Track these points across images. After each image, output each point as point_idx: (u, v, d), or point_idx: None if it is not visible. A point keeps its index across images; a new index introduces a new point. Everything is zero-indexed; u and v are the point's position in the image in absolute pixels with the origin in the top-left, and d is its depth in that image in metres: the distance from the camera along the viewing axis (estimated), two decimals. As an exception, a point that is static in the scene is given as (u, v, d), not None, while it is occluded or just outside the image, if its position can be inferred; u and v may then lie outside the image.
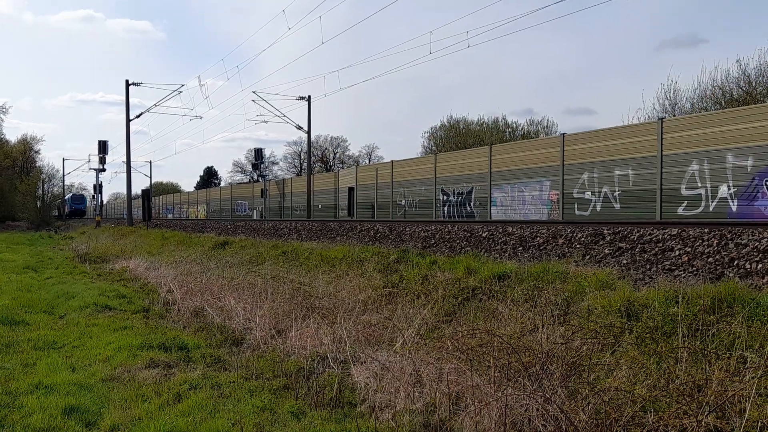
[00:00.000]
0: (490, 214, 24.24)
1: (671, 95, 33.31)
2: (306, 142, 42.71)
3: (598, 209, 19.85)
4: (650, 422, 4.49)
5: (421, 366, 6.21)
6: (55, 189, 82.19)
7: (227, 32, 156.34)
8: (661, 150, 17.84)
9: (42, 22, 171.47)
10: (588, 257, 9.27)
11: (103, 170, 53.36)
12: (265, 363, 7.56)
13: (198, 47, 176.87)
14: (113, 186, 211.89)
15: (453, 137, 54.44)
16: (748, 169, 15.69)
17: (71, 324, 10.37)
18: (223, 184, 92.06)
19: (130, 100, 42.48)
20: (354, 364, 6.86)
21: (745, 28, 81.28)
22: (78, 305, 11.98)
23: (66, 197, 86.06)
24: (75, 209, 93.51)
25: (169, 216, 68.88)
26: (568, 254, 9.68)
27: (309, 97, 41.60)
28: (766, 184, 15.18)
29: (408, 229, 14.69)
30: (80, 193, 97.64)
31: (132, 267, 19.18)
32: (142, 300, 12.92)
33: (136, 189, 78.60)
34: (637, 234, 9.23)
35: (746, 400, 4.43)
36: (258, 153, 49.10)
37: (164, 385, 6.81)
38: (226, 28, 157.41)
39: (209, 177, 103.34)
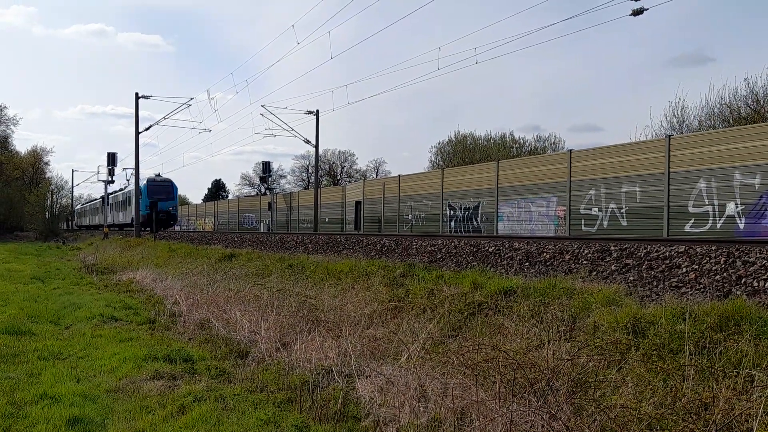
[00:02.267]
0: (497, 229, 24.22)
1: (679, 113, 33.36)
2: (314, 156, 42.87)
3: (605, 225, 19.81)
4: (656, 440, 4.45)
5: (426, 381, 6.18)
6: (64, 200, 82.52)
7: (237, 46, 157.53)
8: (669, 167, 17.83)
9: (53, 35, 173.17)
10: (595, 273, 9.24)
11: (112, 182, 53.43)
12: (269, 376, 7.55)
13: (208, 61, 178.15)
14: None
15: (460, 152, 54.59)
16: (756, 187, 15.64)
17: (77, 335, 10.39)
18: (230, 196, 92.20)
19: (140, 112, 42.59)
20: (359, 378, 6.84)
21: (753, 47, 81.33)
22: (84, 316, 12.00)
23: (140, 183, 45.21)
24: (159, 212, 45.44)
25: (177, 228, 69.09)
26: (575, 270, 9.66)
27: (317, 111, 41.81)
28: (774, 202, 15.12)
29: (414, 243, 14.68)
30: (165, 178, 51.20)
31: (139, 278, 19.22)
32: (148, 311, 12.94)
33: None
34: (644, 251, 9.20)
35: (753, 419, 4.40)
36: (266, 166, 49.26)
37: (169, 396, 6.80)
38: (236, 43, 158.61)
39: (217, 190, 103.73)
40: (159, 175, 52.33)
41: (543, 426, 4.81)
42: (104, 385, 7.26)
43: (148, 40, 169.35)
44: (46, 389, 7.00)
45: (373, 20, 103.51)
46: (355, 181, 73.99)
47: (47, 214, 67.46)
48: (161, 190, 49.29)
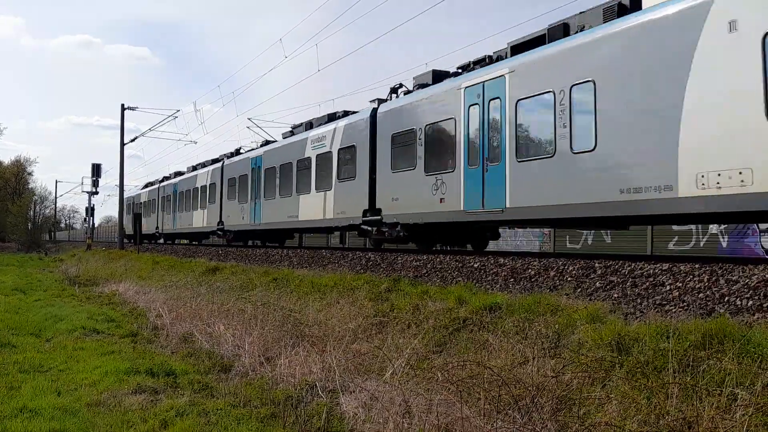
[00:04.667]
0: (482, 245, 24.22)
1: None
2: (300, 170, 42.62)
3: (590, 242, 19.91)
4: (640, 458, 4.46)
5: (410, 397, 6.16)
6: (47, 211, 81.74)
7: (224, 59, 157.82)
8: (653, 185, 17.93)
9: (40, 46, 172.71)
10: (579, 290, 9.27)
11: (96, 193, 53.10)
12: (253, 390, 7.49)
13: (195, 74, 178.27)
14: (105, 209, 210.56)
15: (446, 168, 54.68)
16: (739, 206, 15.78)
17: (58, 347, 10.26)
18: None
19: (126, 124, 42.30)
20: (343, 394, 6.80)
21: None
22: (66, 328, 11.86)
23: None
24: None
25: (161, 240, 68.51)
26: (560, 287, 9.69)
27: (304, 124, 41.61)
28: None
29: (400, 258, 14.66)
30: None
31: (121, 291, 19.05)
32: (131, 324, 12.81)
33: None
34: (629, 268, 9.25)
35: (736, 438, 4.42)
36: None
37: (150, 411, 6.73)
38: (224, 56, 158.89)
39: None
40: None
41: (527, 443, 4.81)
42: (85, 399, 7.17)
43: (135, 52, 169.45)
44: (26, 402, 6.90)
45: (361, 35, 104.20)
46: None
47: (30, 225, 66.86)
48: None
